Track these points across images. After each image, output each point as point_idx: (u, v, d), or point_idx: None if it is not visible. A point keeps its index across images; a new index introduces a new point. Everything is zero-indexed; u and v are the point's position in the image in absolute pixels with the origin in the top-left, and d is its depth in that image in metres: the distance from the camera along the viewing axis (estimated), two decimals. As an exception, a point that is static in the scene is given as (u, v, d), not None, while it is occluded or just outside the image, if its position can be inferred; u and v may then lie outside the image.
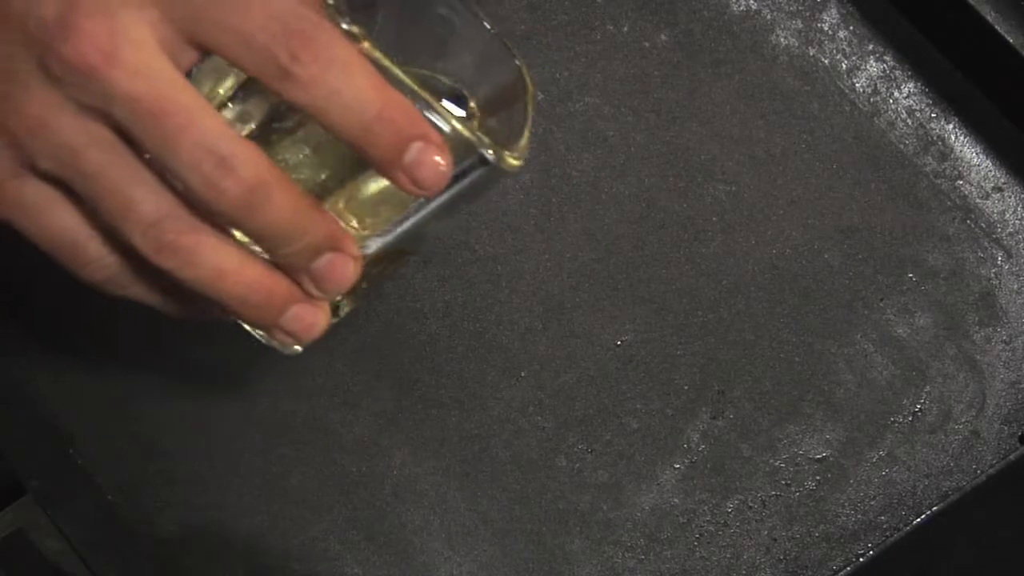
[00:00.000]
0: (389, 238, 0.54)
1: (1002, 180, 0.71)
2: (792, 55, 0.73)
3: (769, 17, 0.74)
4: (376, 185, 0.54)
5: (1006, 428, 0.67)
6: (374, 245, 0.54)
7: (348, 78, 0.50)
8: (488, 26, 0.56)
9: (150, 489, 0.64)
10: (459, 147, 0.52)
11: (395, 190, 0.52)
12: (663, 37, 0.73)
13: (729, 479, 0.65)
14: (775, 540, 0.64)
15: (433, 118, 0.51)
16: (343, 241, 0.53)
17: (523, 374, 0.67)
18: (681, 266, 0.69)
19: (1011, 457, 0.65)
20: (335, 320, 0.56)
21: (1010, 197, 0.71)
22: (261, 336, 0.55)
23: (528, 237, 0.69)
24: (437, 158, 0.51)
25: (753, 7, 0.74)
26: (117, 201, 0.50)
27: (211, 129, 0.50)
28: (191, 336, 0.67)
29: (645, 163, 0.71)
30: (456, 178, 0.52)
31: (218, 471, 0.65)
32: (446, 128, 0.51)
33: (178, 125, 0.49)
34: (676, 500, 0.65)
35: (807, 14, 0.74)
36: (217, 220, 0.51)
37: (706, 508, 0.65)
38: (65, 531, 0.60)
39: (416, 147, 0.51)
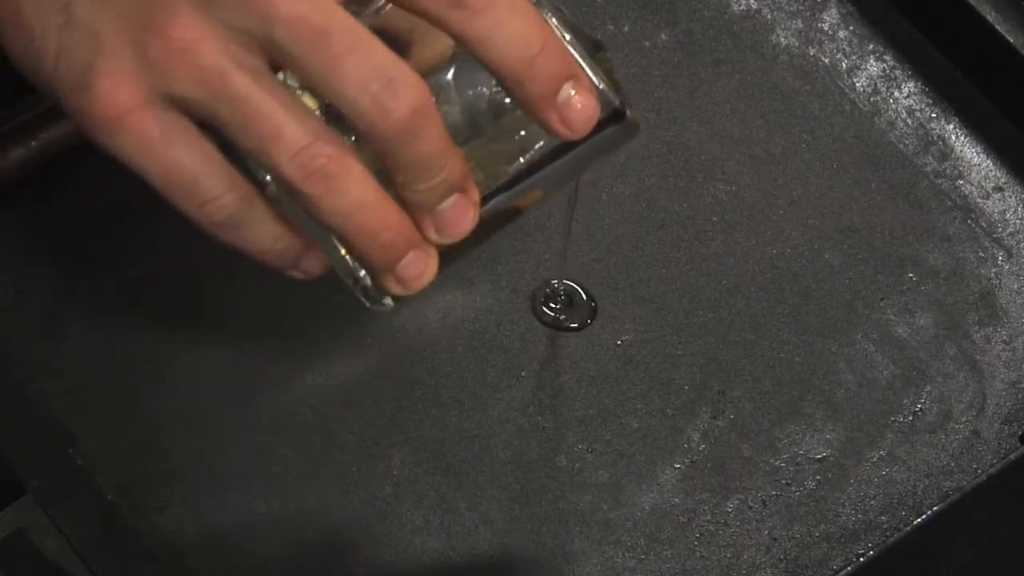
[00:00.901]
0: (507, 194, 0.54)
1: (1002, 180, 0.71)
2: (792, 55, 0.73)
3: (769, 17, 0.74)
4: (488, 143, 0.54)
5: (1006, 428, 0.67)
6: (489, 201, 0.54)
7: (515, 11, 0.50)
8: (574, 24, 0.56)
9: (150, 489, 0.64)
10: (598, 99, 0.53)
11: (505, 150, 0.53)
12: (663, 37, 0.73)
13: (729, 479, 0.65)
14: (775, 540, 0.64)
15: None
16: (470, 184, 0.53)
17: (523, 374, 0.67)
18: (681, 266, 0.69)
19: (1011, 457, 0.65)
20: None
21: (1010, 197, 0.71)
22: (361, 285, 0.55)
23: (528, 237, 0.69)
24: (588, 99, 0.52)
25: (753, 7, 0.74)
26: (265, 126, 0.50)
27: (377, 50, 0.49)
28: (191, 335, 0.67)
29: (645, 163, 0.71)
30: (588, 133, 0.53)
31: (218, 471, 0.65)
32: (592, 76, 0.52)
33: (344, 45, 0.49)
34: (676, 500, 0.65)
35: (807, 14, 0.74)
36: (374, 146, 0.51)
37: (706, 508, 0.65)
38: (65, 531, 0.60)
39: (569, 87, 0.51)
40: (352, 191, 0.51)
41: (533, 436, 0.66)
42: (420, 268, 0.53)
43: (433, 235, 0.53)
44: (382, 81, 0.49)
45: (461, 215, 0.53)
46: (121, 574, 0.60)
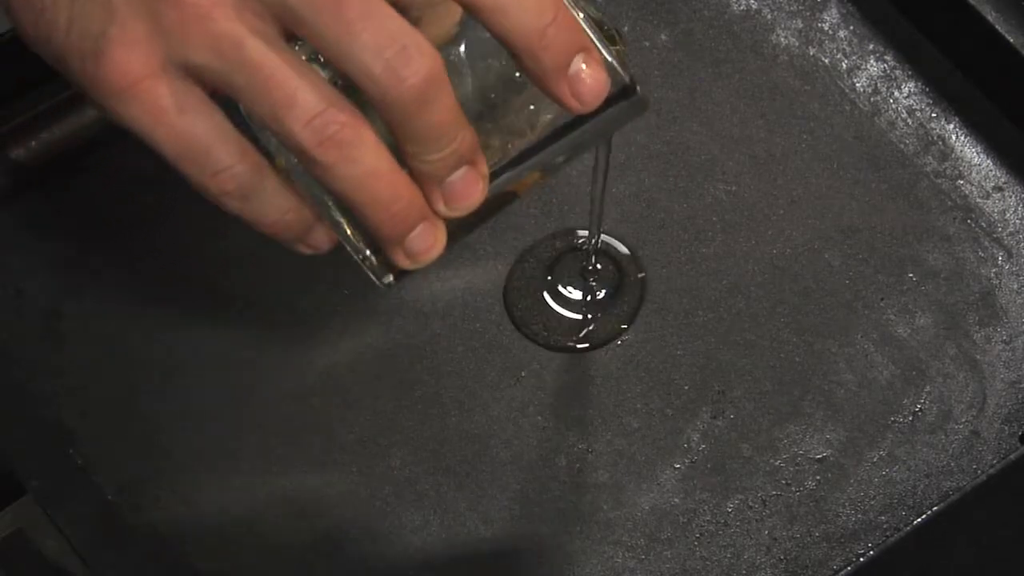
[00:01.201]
0: (514, 170, 0.54)
1: (1002, 180, 0.71)
2: (792, 55, 0.73)
3: (769, 17, 0.74)
4: (497, 119, 0.54)
5: (1006, 428, 0.67)
6: (497, 177, 0.54)
7: None
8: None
9: (150, 489, 0.64)
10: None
11: (514, 126, 0.52)
12: (663, 37, 0.73)
13: (729, 479, 0.65)
14: (775, 540, 0.64)
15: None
16: (479, 157, 0.53)
17: (523, 374, 0.67)
18: (681, 266, 0.69)
19: (1011, 457, 0.65)
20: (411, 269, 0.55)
21: (1010, 197, 0.71)
22: (368, 259, 0.54)
23: (528, 236, 0.69)
24: (599, 72, 0.52)
25: (753, 7, 0.74)
26: (279, 93, 0.49)
27: (391, 18, 0.49)
28: (191, 335, 0.67)
29: (645, 163, 0.71)
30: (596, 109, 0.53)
31: (218, 471, 0.65)
32: (603, 50, 0.52)
33: (358, 12, 0.49)
34: (676, 500, 0.65)
35: (807, 14, 0.74)
36: (386, 114, 0.50)
37: (706, 508, 0.65)
38: (65, 531, 0.60)
39: (580, 59, 0.51)
40: (366, 159, 0.50)
41: (533, 436, 0.66)
42: (429, 241, 0.53)
43: (441, 207, 0.53)
44: (396, 48, 0.49)
45: (470, 187, 0.52)
46: (121, 574, 0.60)
